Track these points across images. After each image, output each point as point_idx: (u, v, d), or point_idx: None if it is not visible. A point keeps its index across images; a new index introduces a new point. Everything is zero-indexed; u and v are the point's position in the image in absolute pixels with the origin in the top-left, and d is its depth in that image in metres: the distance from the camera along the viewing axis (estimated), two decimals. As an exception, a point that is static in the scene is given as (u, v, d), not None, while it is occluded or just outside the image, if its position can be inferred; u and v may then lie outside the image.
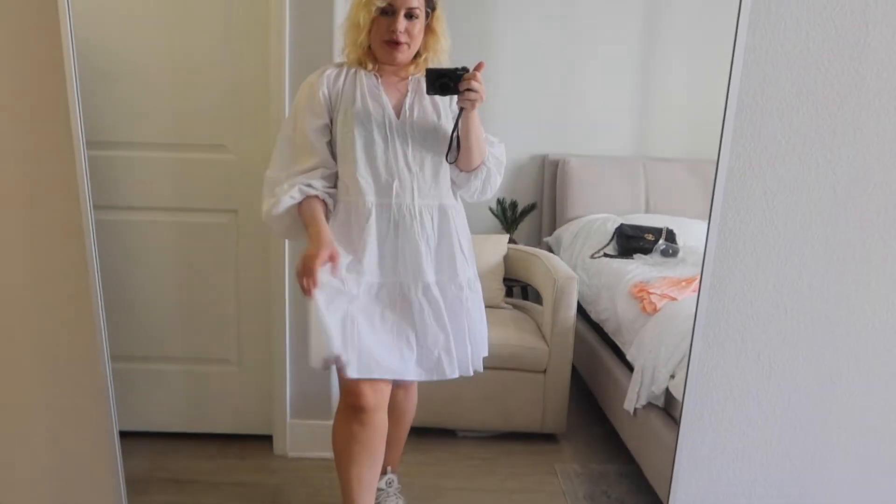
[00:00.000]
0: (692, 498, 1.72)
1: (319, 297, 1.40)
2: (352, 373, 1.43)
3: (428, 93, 1.45)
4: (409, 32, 1.47)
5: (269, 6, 1.87)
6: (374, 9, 1.43)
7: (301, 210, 1.51)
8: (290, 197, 1.49)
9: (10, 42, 1.47)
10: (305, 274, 1.40)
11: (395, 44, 1.46)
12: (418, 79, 1.53)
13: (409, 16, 1.46)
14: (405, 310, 1.52)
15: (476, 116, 1.46)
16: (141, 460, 2.03)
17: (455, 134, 1.49)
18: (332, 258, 1.43)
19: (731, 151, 1.52)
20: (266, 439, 2.13)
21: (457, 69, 1.42)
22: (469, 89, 1.41)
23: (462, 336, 1.56)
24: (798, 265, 1.59)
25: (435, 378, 1.55)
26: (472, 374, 1.60)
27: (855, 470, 1.72)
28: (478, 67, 1.42)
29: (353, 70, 1.52)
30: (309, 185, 1.50)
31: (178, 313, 2.10)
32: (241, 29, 1.92)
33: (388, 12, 1.44)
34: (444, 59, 1.54)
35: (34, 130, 1.52)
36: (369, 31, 1.46)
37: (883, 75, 1.51)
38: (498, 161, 1.58)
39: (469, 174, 1.54)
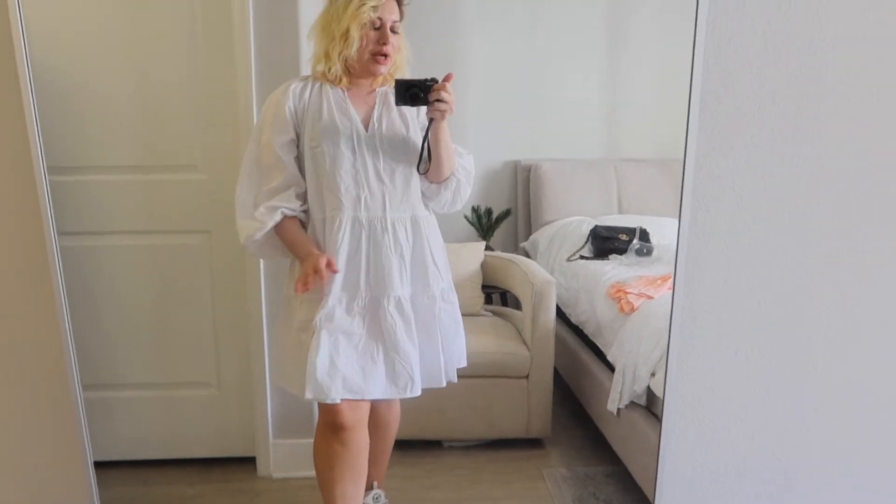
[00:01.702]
0: (678, 494, 1.73)
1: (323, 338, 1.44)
2: (308, 393, 1.42)
3: (397, 104, 1.45)
4: (394, 44, 1.48)
5: (233, 22, 1.85)
6: (367, 20, 1.43)
7: (280, 231, 1.50)
8: (272, 221, 1.48)
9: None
10: (314, 271, 1.41)
11: (383, 56, 1.46)
12: (385, 91, 1.53)
13: (392, 28, 1.47)
14: (374, 324, 1.50)
15: (445, 127, 1.47)
16: (121, 490, 1.98)
17: (425, 144, 1.49)
18: (330, 264, 1.43)
19: (697, 150, 1.55)
20: (249, 461, 2.10)
21: (426, 80, 1.42)
22: (439, 100, 1.41)
23: (434, 348, 1.56)
24: (768, 259, 1.61)
25: (402, 396, 1.54)
26: (444, 384, 1.59)
27: (835, 456, 1.74)
28: (446, 78, 1.43)
29: (318, 84, 1.51)
30: (288, 208, 1.49)
31: (153, 337, 2.06)
32: (206, 47, 1.90)
33: (377, 27, 1.45)
34: (405, 70, 1.54)
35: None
36: (360, 44, 1.45)
37: (840, 68, 1.55)
38: (467, 172, 1.59)
39: (439, 185, 1.54)
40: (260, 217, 1.47)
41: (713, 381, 1.67)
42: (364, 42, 1.45)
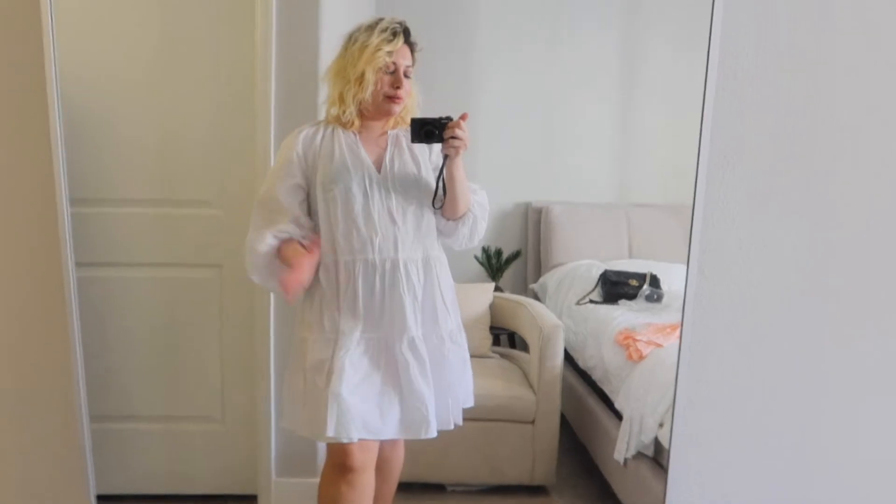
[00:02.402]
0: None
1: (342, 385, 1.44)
2: (329, 431, 1.42)
3: (413, 141, 1.48)
4: (406, 89, 1.51)
5: (255, 63, 1.91)
6: (382, 65, 1.47)
7: (279, 253, 1.51)
8: (266, 245, 1.49)
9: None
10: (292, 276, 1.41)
11: (397, 98, 1.50)
12: (397, 134, 1.56)
13: (405, 74, 1.51)
14: (390, 366, 1.51)
15: (460, 164, 1.49)
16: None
17: (440, 181, 1.51)
18: (311, 246, 1.45)
19: (704, 208, 1.55)
20: (251, 499, 2.08)
21: (441, 118, 1.46)
22: (453, 137, 1.44)
23: (443, 389, 1.55)
24: (775, 315, 1.61)
25: (417, 437, 1.52)
26: (452, 427, 1.58)
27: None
28: (462, 117, 1.46)
29: (330, 128, 1.54)
30: (283, 231, 1.51)
31: (161, 369, 2.07)
32: (227, 86, 1.96)
33: (391, 70, 1.49)
34: (416, 112, 1.58)
35: (18, 187, 1.52)
36: (375, 87, 1.48)
37: (852, 127, 1.56)
38: (482, 207, 1.61)
39: (456, 222, 1.56)
40: (254, 243, 1.50)
41: (720, 444, 1.64)
42: (378, 85, 1.48)
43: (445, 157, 1.48)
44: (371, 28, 1.49)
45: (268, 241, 1.49)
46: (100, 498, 1.80)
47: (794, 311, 1.61)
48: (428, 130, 1.46)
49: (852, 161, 1.57)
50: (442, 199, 1.52)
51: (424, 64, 1.61)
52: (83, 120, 1.92)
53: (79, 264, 1.97)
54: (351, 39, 1.50)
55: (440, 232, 1.58)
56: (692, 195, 1.62)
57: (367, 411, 1.46)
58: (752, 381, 1.63)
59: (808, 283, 1.60)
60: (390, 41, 1.47)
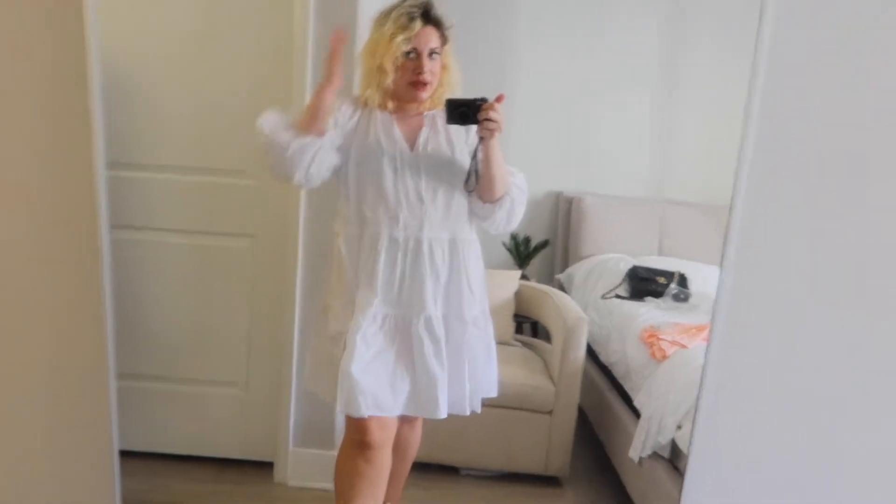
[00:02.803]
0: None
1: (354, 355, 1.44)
2: (339, 406, 1.44)
3: (448, 122, 1.47)
4: (433, 71, 1.49)
5: (293, 34, 1.91)
6: (400, 53, 1.45)
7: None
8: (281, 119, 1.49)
9: (38, 65, 1.52)
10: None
11: (421, 84, 1.48)
12: (433, 115, 1.55)
13: (431, 54, 1.49)
14: (405, 343, 1.51)
15: (497, 146, 1.47)
16: (139, 481, 2.01)
17: (474, 163, 1.50)
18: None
19: (744, 210, 1.52)
20: (267, 466, 2.12)
21: (476, 99, 1.44)
22: (488, 119, 1.42)
23: (460, 374, 1.55)
24: (811, 324, 1.57)
25: (426, 416, 1.54)
26: (468, 413, 1.58)
27: None
28: (498, 99, 1.44)
29: (368, 107, 1.54)
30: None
31: (189, 334, 2.11)
32: (265, 59, 1.96)
33: (413, 54, 1.47)
34: (457, 90, 1.56)
35: (59, 150, 1.55)
36: (394, 76, 1.48)
37: None
38: (521, 190, 1.58)
39: (493, 205, 1.53)
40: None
41: (741, 453, 1.62)
42: (400, 73, 1.47)
43: (480, 139, 1.46)
44: (386, 15, 1.46)
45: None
46: (122, 454, 1.85)
47: (832, 322, 1.56)
48: (462, 112, 1.44)
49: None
50: (475, 181, 1.51)
51: (462, 46, 1.59)
52: (126, 88, 1.95)
53: (115, 226, 2.00)
54: (375, 24, 1.49)
55: (476, 215, 1.56)
56: (730, 195, 1.58)
57: (378, 389, 1.47)
58: (781, 391, 1.59)
59: (847, 293, 1.56)
60: (406, 27, 1.44)
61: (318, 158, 1.46)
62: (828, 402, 1.60)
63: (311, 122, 1.45)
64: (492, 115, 1.41)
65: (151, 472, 2.07)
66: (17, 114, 1.54)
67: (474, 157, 1.49)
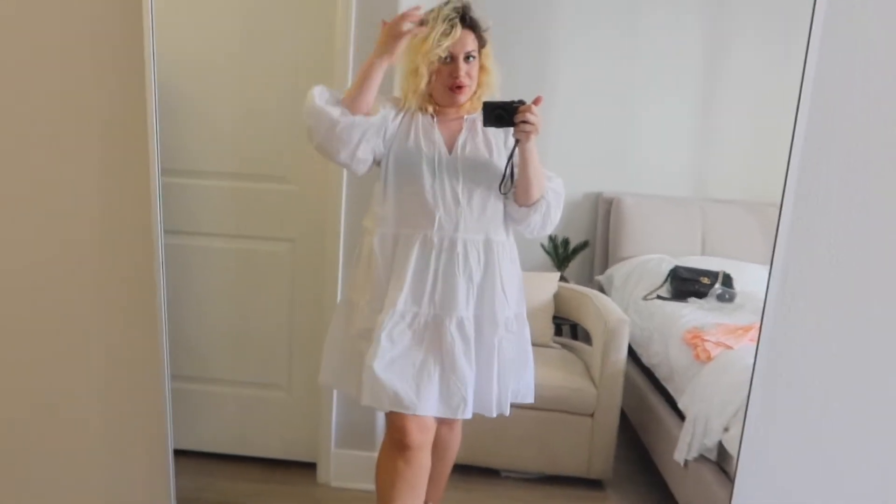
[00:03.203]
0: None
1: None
2: (363, 401, 1.46)
3: (484, 125, 1.47)
4: (469, 74, 1.50)
5: (334, 45, 1.94)
6: (435, 59, 1.46)
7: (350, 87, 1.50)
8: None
9: (99, 81, 1.59)
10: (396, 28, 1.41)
11: (458, 87, 1.49)
12: (473, 118, 1.56)
13: (467, 58, 1.49)
14: (434, 342, 1.52)
15: (534, 149, 1.47)
16: (189, 478, 2.07)
17: (510, 165, 1.50)
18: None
19: (795, 202, 1.48)
20: (310, 467, 2.15)
21: (513, 102, 1.44)
22: (525, 121, 1.41)
23: (489, 375, 1.55)
24: (862, 325, 1.52)
25: (452, 416, 1.54)
26: (494, 415, 1.58)
27: None
28: (535, 101, 1.44)
29: (410, 110, 1.55)
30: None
31: (233, 336, 2.16)
32: (305, 67, 2.00)
33: (449, 59, 1.48)
34: (496, 92, 1.56)
35: (117, 159, 1.62)
36: (429, 80, 1.49)
37: None
38: (557, 194, 1.58)
39: (528, 209, 1.53)
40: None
41: (791, 455, 1.58)
42: (437, 77, 1.48)
43: (517, 141, 1.46)
44: (431, 19, 1.46)
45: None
46: (174, 453, 1.90)
47: (885, 321, 1.51)
48: (498, 114, 1.44)
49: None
50: (510, 184, 1.51)
51: (500, 46, 1.59)
52: (173, 98, 2.01)
53: (164, 231, 2.09)
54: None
55: (512, 218, 1.56)
56: (773, 192, 1.55)
57: (400, 387, 1.47)
58: (832, 392, 1.55)
59: None
60: (448, 34, 1.45)
61: (366, 139, 1.47)
62: (882, 403, 1.55)
63: (359, 94, 1.45)
64: (529, 117, 1.41)
65: (201, 471, 2.12)
66: (79, 124, 1.62)
67: (510, 159, 1.49)
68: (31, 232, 1.67)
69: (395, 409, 1.48)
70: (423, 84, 1.49)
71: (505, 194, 1.53)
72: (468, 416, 1.53)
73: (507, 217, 1.57)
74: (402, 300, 1.49)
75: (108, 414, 1.72)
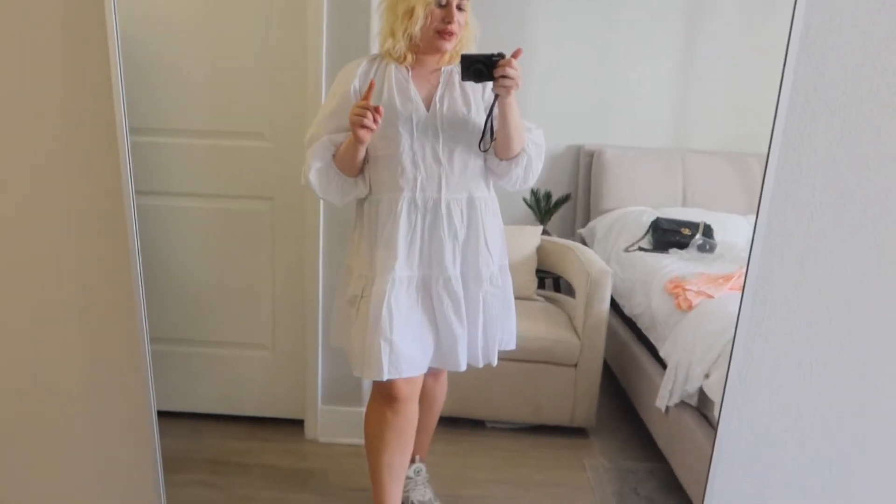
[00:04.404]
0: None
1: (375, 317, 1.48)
2: (385, 375, 1.47)
3: (463, 79, 1.44)
4: (459, 22, 1.47)
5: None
6: (431, 1, 1.43)
7: (337, 154, 1.52)
8: (320, 145, 1.52)
9: (59, 36, 1.52)
10: (359, 122, 1.40)
11: (448, 34, 1.45)
12: (450, 70, 1.52)
13: (459, 7, 1.46)
14: (426, 302, 1.54)
15: (514, 103, 1.44)
16: (177, 440, 2.07)
17: (489, 121, 1.48)
18: (378, 111, 1.41)
19: (781, 150, 1.47)
20: (298, 423, 2.17)
21: (492, 55, 1.40)
22: (504, 76, 1.39)
23: (474, 329, 1.57)
24: (845, 271, 1.54)
25: (449, 368, 1.58)
26: (481, 365, 1.61)
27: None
28: (515, 54, 1.40)
29: (383, 63, 1.51)
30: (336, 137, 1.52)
31: (215, 297, 2.14)
32: (279, 18, 1.93)
33: (443, 4, 1.44)
34: (472, 47, 1.54)
35: (81, 120, 1.56)
36: (424, 22, 1.45)
37: None
38: (538, 147, 1.56)
39: (509, 162, 1.52)
40: (309, 161, 1.52)
41: (774, 393, 1.61)
42: (429, 20, 1.44)
43: (496, 96, 1.43)
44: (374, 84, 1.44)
45: (323, 143, 1.52)
46: (161, 414, 1.90)
47: (866, 266, 1.53)
48: (477, 69, 1.40)
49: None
50: (489, 140, 1.49)
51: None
52: (140, 54, 1.93)
53: (137, 192, 2.04)
54: None
55: (493, 173, 1.55)
56: (754, 142, 1.54)
57: (413, 350, 1.51)
58: (814, 340, 1.58)
59: (883, 243, 1.52)
60: None
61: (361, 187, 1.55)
62: (862, 350, 1.58)
63: (348, 168, 1.51)
64: (508, 71, 1.38)
65: (190, 432, 2.13)
66: (39, 84, 1.55)
67: (489, 114, 1.47)
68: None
69: (412, 374, 1.51)
70: (417, 27, 1.44)
71: (485, 151, 1.51)
72: (462, 369, 1.56)
73: (488, 171, 1.55)
74: (394, 266, 1.49)
75: (88, 379, 1.71)
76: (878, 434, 1.64)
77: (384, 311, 1.47)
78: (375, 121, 1.40)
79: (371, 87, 1.42)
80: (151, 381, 1.70)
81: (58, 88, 1.55)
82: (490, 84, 1.48)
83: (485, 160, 1.54)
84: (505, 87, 1.40)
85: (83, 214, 1.62)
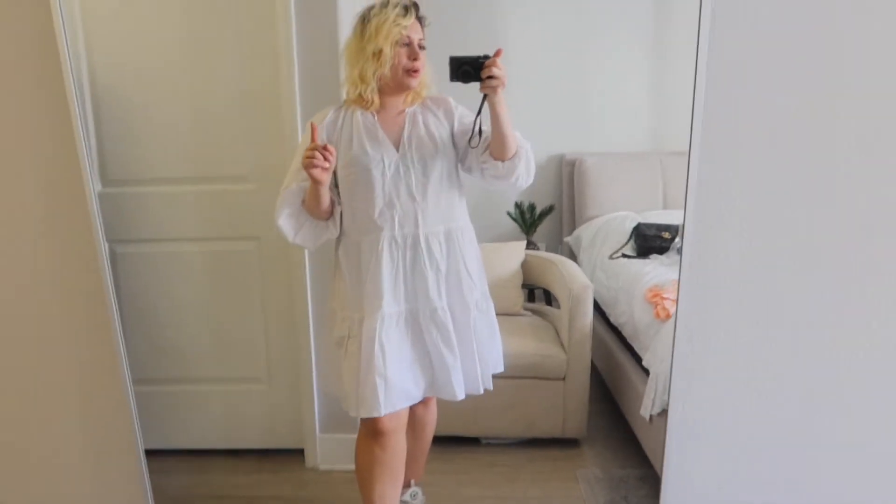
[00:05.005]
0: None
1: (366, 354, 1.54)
2: (382, 410, 1.53)
3: (451, 80, 1.49)
4: (421, 61, 1.53)
5: (279, 49, 1.94)
6: (397, 37, 1.49)
7: (304, 200, 1.57)
8: (289, 192, 1.57)
9: (17, 89, 1.58)
10: (310, 164, 1.45)
11: (415, 70, 1.52)
12: (413, 111, 1.59)
13: (420, 46, 1.54)
14: (417, 335, 1.59)
15: (503, 101, 1.48)
16: (181, 478, 2.15)
17: (477, 120, 1.53)
18: (326, 149, 1.46)
19: (702, 148, 1.54)
20: (298, 453, 2.24)
21: (478, 57, 1.46)
22: (490, 76, 1.44)
23: (471, 356, 1.62)
24: (774, 265, 1.59)
25: (445, 398, 1.62)
26: (481, 392, 1.66)
27: (845, 472, 1.74)
28: (496, 54, 1.45)
29: (349, 111, 1.58)
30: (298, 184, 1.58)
31: (209, 336, 2.21)
32: (252, 62, 2.00)
33: (406, 43, 1.52)
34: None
35: (49, 174, 1.62)
36: (393, 62, 1.51)
37: (861, 61, 1.50)
38: (524, 141, 1.59)
39: (513, 161, 1.54)
40: (278, 208, 1.58)
41: (720, 395, 1.67)
42: (396, 60, 1.51)
43: (484, 96, 1.48)
44: (384, 5, 1.51)
45: (291, 189, 1.57)
46: (161, 452, 1.97)
47: (795, 260, 1.59)
48: (465, 70, 1.46)
49: (863, 103, 1.51)
50: (478, 138, 1.55)
51: (451, 11, 1.58)
52: (118, 105, 2.02)
53: (123, 241, 2.11)
54: (364, 19, 1.52)
55: (497, 177, 1.57)
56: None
57: (406, 383, 1.57)
58: (751, 335, 1.64)
59: (810, 236, 1.58)
60: (403, 16, 1.50)
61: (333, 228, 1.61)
62: (795, 341, 1.64)
63: (316, 210, 1.56)
64: (494, 71, 1.43)
65: (194, 469, 2.20)
66: (4, 139, 1.60)
67: (478, 113, 1.52)
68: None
69: (406, 405, 1.58)
70: (387, 66, 1.51)
71: (475, 147, 1.56)
72: (460, 397, 1.61)
73: (493, 179, 1.58)
74: (386, 303, 1.55)
75: (77, 425, 1.78)
76: (824, 422, 1.69)
77: (377, 349, 1.52)
78: (326, 158, 1.45)
79: (314, 130, 1.49)
80: (137, 422, 1.76)
81: (24, 145, 1.61)
82: (457, 115, 1.59)
83: (483, 172, 1.58)
84: (492, 86, 1.45)
85: (58, 266, 1.68)
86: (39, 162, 1.63)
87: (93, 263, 1.67)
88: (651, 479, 2.02)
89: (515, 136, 1.53)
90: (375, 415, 1.54)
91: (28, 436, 1.78)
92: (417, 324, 1.59)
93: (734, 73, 1.53)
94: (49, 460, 1.80)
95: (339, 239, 1.63)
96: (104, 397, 1.76)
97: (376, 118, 1.57)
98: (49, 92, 1.57)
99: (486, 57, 1.45)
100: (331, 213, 1.58)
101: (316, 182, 1.47)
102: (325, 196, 1.53)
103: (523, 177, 1.58)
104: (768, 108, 1.53)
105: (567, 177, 3.23)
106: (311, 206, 1.55)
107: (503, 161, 1.54)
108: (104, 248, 1.69)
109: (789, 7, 1.50)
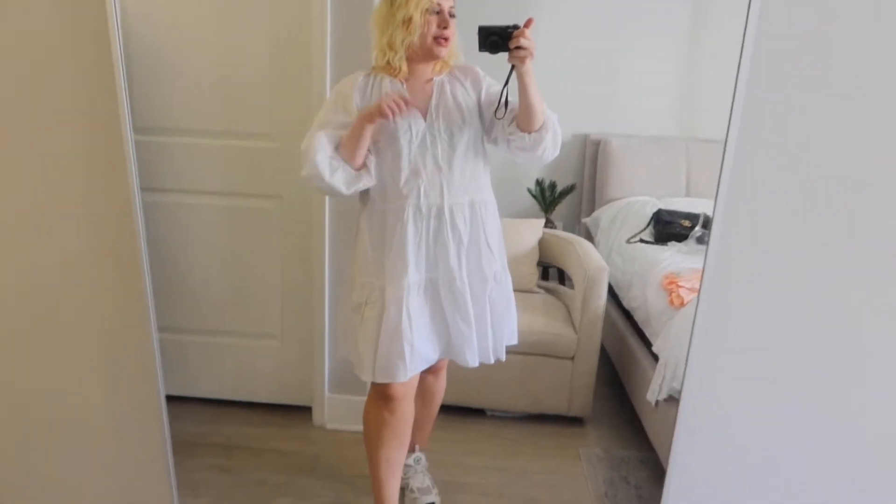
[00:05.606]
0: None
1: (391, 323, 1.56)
2: (408, 375, 1.57)
3: (480, 50, 1.47)
4: (451, 30, 1.52)
5: (312, 5, 1.93)
6: (428, 8, 1.48)
7: (342, 142, 1.55)
8: (318, 138, 1.54)
9: (63, 38, 1.58)
10: (389, 103, 1.46)
11: (444, 39, 1.51)
12: (442, 80, 1.57)
13: (450, 14, 1.52)
14: (436, 304, 1.61)
15: (531, 71, 1.46)
16: (194, 424, 2.21)
17: (505, 90, 1.52)
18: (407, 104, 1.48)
19: (738, 141, 1.52)
20: (306, 410, 2.28)
21: (507, 27, 1.44)
22: (518, 46, 1.42)
23: (484, 327, 1.64)
24: (802, 266, 1.57)
25: (458, 363, 1.66)
26: (493, 361, 1.68)
27: (859, 484, 1.74)
28: (527, 24, 1.44)
29: (377, 79, 1.57)
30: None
31: (227, 290, 2.24)
32: (285, 21, 1.99)
33: (437, 11, 1.50)
34: (459, 55, 1.60)
35: (88, 120, 1.62)
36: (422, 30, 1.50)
37: None
38: (550, 112, 1.58)
39: (539, 132, 1.53)
40: (312, 150, 1.53)
41: (735, 389, 1.66)
42: (426, 28, 1.49)
43: (512, 67, 1.46)
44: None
45: (323, 137, 1.54)
46: (174, 398, 2.00)
47: (827, 256, 1.56)
48: (493, 41, 1.44)
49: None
50: (504, 109, 1.54)
51: None
52: (151, 55, 2.01)
53: (147, 189, 2.10)
54: None
55: (524, 148, 1.56)
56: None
57: (426, 349, 1.61)
58: (775, 329, 1.62)
59: (841, 230, 1.55)
60: None
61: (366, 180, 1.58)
62: (821, 338, 1.63)
63: (355, 153, 1.53)
64: (522, 41, 1.41)
65: (205, 417, 2.26)
66: (45, 85, 1.61)
67: (505, 84, 1.51)
68: (6, 202, 1.70)
69: (422, 368, 1.61)
70: (416, 34, 1.49)
71: (500, 118, 1.55)
72: (473, 365, 1.64)
73: (520, 151, 1.57)
74: (411, 271, 1.56)
75: (101, 366, 1.80)
76: (840, 421, 1.69)
77: (404, 316, 1.55)
78: (402, 113, 1.47)
79: (407, 103, 1.49)
80: (159, 368, 1.79)
81: (64, 90, 1.61)
82: (484, 85, 1.57)
83: (510, 144, 1.57)
84: (520, 57, 1.43)
85: (93, 213, 1.69)
86: (82, 103, 1.63)
87: (126, 207, 1.68)
88: (652, 462, 2.05)
89: (543, 107, 1.52)
90: (397, 380, 1.56)
91: (51, 368, 1.82)
92: (437, 292, 1.60)
93: (778, 69, 1.49)
94: (69, 405, 1.84)
95: (362, 206, 1.63)
96: (129, 340, 1.79)
97: (404, 86, 1.56)
98: (93, 37, 1.56)
99: (516, 27, 1.43)
100: (363, 164, 1.57)
101: (380, 115, 1.47)
102: (367, 141, 1.52)
103: (550, 149, 1.57)
104: (810, 107, 1.50)
105: (591, 157, 3.20)
106: (349, 149, 1.53)
107: (530, 133, 1.53)
108: (137, 193, 1.70)
109: (837, 2, 1.46)
